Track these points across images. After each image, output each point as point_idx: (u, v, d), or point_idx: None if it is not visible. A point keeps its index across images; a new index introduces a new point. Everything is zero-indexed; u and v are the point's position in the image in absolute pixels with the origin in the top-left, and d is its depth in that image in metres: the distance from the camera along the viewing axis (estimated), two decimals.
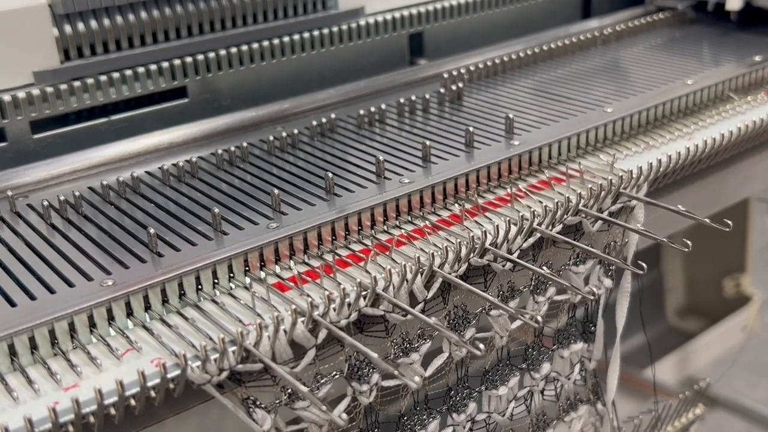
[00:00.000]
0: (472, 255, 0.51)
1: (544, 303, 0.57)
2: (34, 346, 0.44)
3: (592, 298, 0.61)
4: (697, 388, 0.88)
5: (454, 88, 0.76)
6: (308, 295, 0.48)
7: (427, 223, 0.56)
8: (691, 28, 0.96)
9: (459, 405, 0.55)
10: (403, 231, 0.55)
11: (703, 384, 0.87)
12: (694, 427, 0.90)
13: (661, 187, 0.66)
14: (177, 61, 0.71)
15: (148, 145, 0.67)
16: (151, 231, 0.51)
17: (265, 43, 0.76)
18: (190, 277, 0.48)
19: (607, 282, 0.61)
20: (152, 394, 0.41)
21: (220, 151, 0.64)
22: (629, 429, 0.74)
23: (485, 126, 0.68)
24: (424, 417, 0.54)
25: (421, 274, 0.49)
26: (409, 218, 0.57)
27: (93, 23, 0.68)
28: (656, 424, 0.80)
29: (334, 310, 0.46)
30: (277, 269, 0.51)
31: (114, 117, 0.70)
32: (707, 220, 0.55)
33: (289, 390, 0.45)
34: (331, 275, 0.50)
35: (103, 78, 0.68)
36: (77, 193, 0.58)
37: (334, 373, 0.47)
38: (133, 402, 0.41)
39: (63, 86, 0.66)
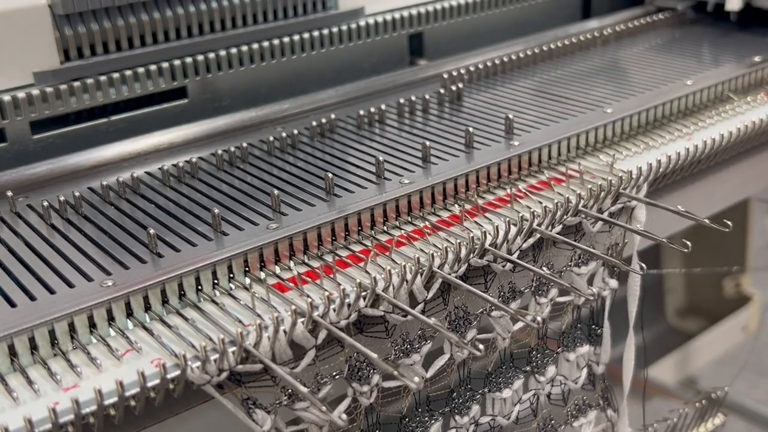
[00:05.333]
0: (471, 255, 0.51)
1: (547, 304, 0.57)
2: (34, 347, 0.44)
3: (593, 299, 0.61)
4: (715, 396, 0.86)
5: (453, 88, 0.76)
6: (308, 296, 0.48)
7: (427, 223, 0.56)
8: (690, 29, 0.96)
9: (462, 407, 0.55)
10: (402, 231, 0.55)
11: (721, 393, 0.86)
12: None
13: (661, 187, 0.66)
14: (177, 62, 0.71)
15: (148, 146, 0.67)
16: (151, 231, 0.51)
17: (265, 44, 0.76)
18: (189, 278, 0.48)
19: (613, 283, 0.61)
20: (152, 394, 0.42)
21: (220, 152, 0.64)
22: None
23: (485, 126, 0.68)
24: (426, 419, 0.54)
25: (421, 275, 0.49)
26: (409, 219, 0.57)
27: (93, 24, 0.68)
28: None
29: (334, 310, 0.46)
30: (277, 270, 0.51)
31: (114, 117, 0.70)
32: (707, 221, 0.55)
33: (289, 390, 0.45)
34: (331, 276, 0.50)
35: (103, 78, 0.68)
36: (77, 194, 0.58)
37: (334, 373, 0.47)
38: (133, 402, 0.41)
39: (63, 87, 0.66)
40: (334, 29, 0.80)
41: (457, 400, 0.55)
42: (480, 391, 0.57)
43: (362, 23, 0.82)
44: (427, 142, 0.62)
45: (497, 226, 0.52)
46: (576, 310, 0.61)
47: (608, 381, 0.65)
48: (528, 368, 0.59)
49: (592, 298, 0.60)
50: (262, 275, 0.51)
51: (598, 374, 0.64)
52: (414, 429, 0.53)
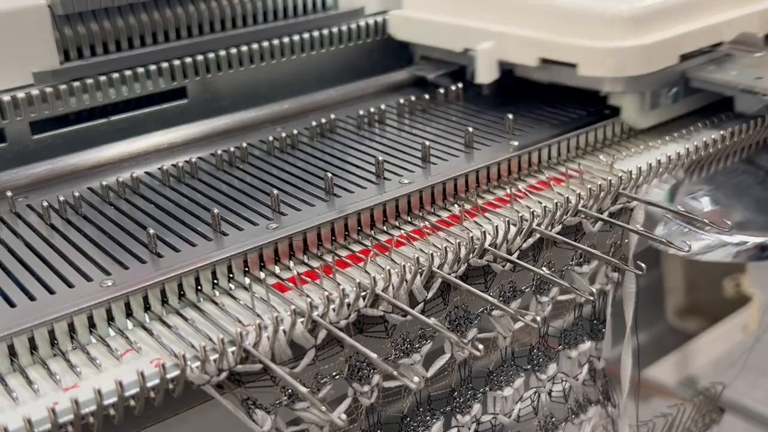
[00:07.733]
0: (471, 255, 0.51)
1: (548, 303, 0.57)
2: (33, 347, 0.44)
3: (592, 299, 0.61)
4: (713, 392, 0.87)
5: (453, 88, 0.76)
6: (308, 296, 0.48)
7: (427, 223, 0.56)
8: None
9: (463, 406, 0.55)
10: (402, 231, 0.55)
11: (719, 387, 0.86)
12: None
13: None
14: (177, 62, 0.71)
15: (148, 146, 0.67)
16: (151, 231, 0.51)
17: (265, 44, 0.76)
18: (189, 278, 0.48)
19: (616, 276, 0.61)
20: (152, 394, 0.41)
21: (219, 152, 0.64)
22: None
23: (485, 126, 0.68)
24: (428, 418, 0.54)
25: (421, 275, 0.49)
26: (409, 219, 0.57)
27: (93, 24, 0.68)
28: (670, 428, 0.79)
29: (334, 310, 0.46)
30: (277, 270, 0.51)
31: (114, 118, 0.70)
32: (706, 221, 0.55)
33: (289, 390, 0.45)
34: (331, 276, 0.50)
35: (103, 79, 0.68)
36: (77, 194, 0.58)
37: (335, 373, 0.47)
38: (132, 402, 0.41)
39: (63, 87, 0.66)
40: (334, 29, 0.80)
41: (458, 399, 0.55)
42: (481, 390, 0.57)
43: (362, 23, 0.82)
44: (427, 142, 0.62)
45: (497, 226, 0.52)
46: (578, 307, 0.61)
47: (608, 377, 0.65)
48: (529, 366, 0.59)
49: (592, 297, 0.60)
50: (262, 275, 0.51)
51: (598, 369, 0.64)
52: (416, 428, 0.53)
